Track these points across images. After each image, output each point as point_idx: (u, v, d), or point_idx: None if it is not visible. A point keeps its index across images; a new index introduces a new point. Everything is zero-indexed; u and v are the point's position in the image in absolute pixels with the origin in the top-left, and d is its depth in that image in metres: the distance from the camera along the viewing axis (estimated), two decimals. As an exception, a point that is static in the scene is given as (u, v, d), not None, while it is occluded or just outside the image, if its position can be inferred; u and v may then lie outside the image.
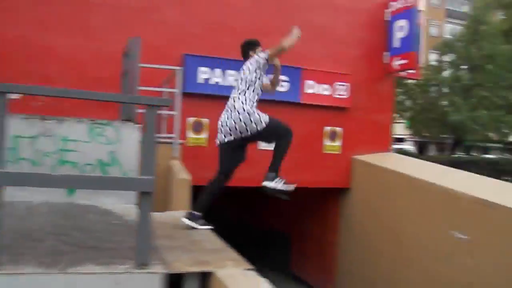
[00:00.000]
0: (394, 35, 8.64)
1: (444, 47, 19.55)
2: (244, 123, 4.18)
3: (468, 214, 5.80)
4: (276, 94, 7.61)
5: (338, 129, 8.20)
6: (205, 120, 7.29)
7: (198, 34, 7.42)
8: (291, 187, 4.47)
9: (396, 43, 8.56)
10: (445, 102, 17.03)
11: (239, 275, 2.54)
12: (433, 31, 41.55)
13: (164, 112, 6.58)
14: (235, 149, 4.29)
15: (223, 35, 7.44)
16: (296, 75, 7.84)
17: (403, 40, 8.43)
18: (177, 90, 6.16)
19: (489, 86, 16.71)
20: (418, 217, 6.66)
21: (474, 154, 36.60)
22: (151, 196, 2.54)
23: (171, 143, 6.11)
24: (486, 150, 40.80)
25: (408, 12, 8.41)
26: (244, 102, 4.30)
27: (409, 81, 17.22)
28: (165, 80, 6.78)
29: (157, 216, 4.49)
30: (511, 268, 5.29)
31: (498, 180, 7.69)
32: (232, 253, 3.03)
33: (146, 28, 6.86)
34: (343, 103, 8.14)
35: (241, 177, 7.50)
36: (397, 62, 8.49)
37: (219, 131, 4.31)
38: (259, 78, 4.41)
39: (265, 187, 4.36)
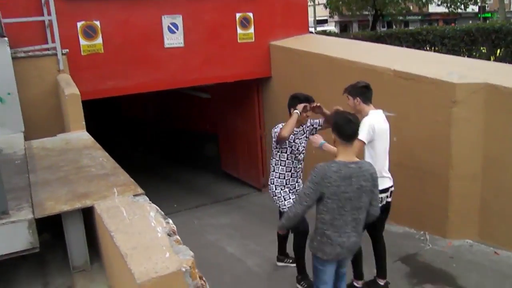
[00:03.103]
0: None
1: None
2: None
3: (392, 89, 5.57)
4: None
5: (249, 14, 7.41)
6: (96, 23, 6.27)
7: None
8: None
9: None
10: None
11: (123, 205, 2.04)
12: None
13: (38, 18, 5.55)
14: None
15: None
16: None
17: None
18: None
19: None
20: (342, 97, 6.38)
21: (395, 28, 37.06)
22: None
23: (56, 54, 5.21)
24: (407, 24, 41.49)
25: None
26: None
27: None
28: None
29: (45, 142, 3.84)
30: (433, 139, 5.23)
31: (421, 51, 7.49)
32: (122, 177, 2.51)
33: None
34: (252, -16, 7.27)
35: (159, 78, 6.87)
36: None
37: None
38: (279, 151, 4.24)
39: None
